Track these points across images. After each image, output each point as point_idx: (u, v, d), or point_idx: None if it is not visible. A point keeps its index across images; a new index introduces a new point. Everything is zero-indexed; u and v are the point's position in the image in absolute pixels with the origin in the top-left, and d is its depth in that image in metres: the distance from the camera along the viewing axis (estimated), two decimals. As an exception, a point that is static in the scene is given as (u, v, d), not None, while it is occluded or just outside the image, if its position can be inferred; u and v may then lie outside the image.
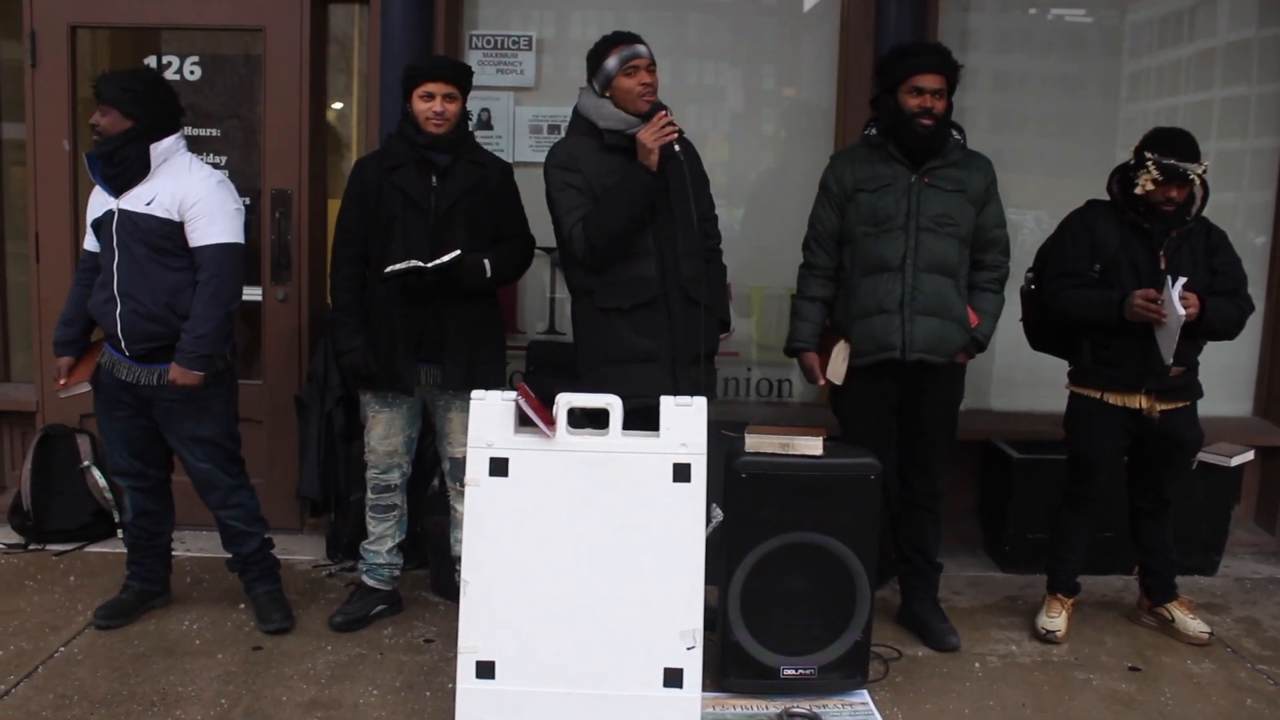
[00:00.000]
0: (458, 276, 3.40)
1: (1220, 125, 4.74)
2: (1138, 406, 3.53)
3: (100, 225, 3.40)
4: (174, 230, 3.35)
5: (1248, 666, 3.56)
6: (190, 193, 3.35)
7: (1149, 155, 3.40)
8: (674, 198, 3.33)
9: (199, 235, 3.37)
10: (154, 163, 3.36)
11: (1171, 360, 3.40)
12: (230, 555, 3.69)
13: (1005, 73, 4.80)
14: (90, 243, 3.50)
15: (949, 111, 3.44)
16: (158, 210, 3.34)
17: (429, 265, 3.35)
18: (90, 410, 3.74)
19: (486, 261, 3.47)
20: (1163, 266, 3.45)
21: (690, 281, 3.36)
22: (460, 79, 3.51)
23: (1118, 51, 4.74)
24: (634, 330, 3.32)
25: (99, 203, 3.42)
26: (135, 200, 3.35)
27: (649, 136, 3.23)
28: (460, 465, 3.32)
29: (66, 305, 3.57)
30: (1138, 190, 3.42)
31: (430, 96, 3.43)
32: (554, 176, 3.34)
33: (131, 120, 3.31)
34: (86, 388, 3.54)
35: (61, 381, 3.54)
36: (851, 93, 4.48)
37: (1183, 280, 3.35)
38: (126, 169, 3.33)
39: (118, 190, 3.36)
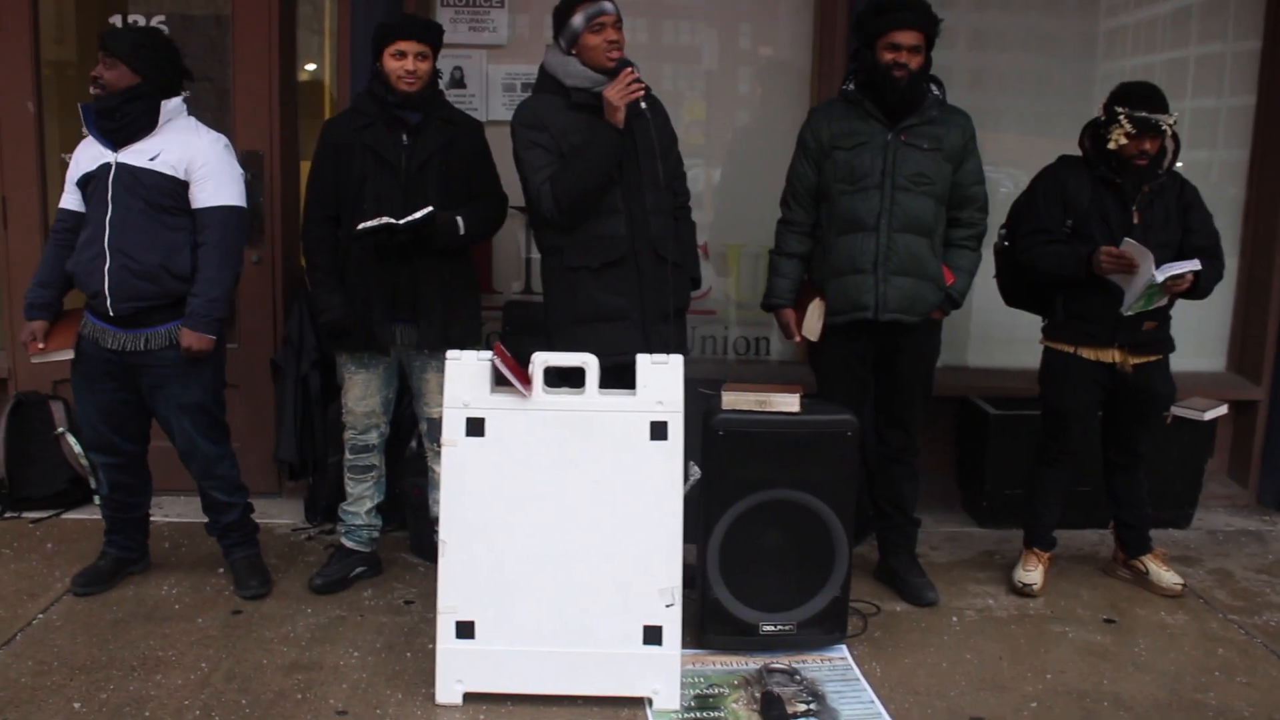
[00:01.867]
0: (431, 234, 3.37)
1: (1196, 83, 4.74)
2: (1111, 360, 3.56)
3: (91, 179, 3.33)
4: (177, 188, 3.32)
5: (1219, 617, 3.61)
6: (199, 154, 3.33)
7: (1120, 110, 3.40)
8: (641, 155, 3.31)
9: (207, 197, 3.34)
10: (161, 120, 3.32)
11: (1130, 311, 3.42)
12: (209, 520, 3.67)
13: (982, 30, 4.77)
14: (70, 201, 3.42)
15: (926, 67, 3.42)
16: (162, 167, 3.29)
17: (401, 222, 3.31)
18: (64, 376, 3.67)
19: (460, 218, 3.44)
20: (1135, 221, 3.46)
21: (659, 239, 3.35)
22: (432, 37, 3.46)
23: (1094, 9, 4.72)
24: (603, 288, 3.31)
25: (91, 155, 3.34)
26: (137, 155, 3.30)
27: (615, 94, 3.20)
28: (437, 426, 3.31)
29: (41, 266, 3.49)
30: (1111, 145, 3.42)
31: (402, 55, 3.39)
32: (521, 135, 3.31)
33: (140, 76, 3.27)
34: (69, 354, 3.45)
35: (39, 345, 3.44)
36: (827, 52, 4.45)
37: (1194, 263, 3.36)
38: (129, 124, 3.28)
39: (117, 144, 3.31)
